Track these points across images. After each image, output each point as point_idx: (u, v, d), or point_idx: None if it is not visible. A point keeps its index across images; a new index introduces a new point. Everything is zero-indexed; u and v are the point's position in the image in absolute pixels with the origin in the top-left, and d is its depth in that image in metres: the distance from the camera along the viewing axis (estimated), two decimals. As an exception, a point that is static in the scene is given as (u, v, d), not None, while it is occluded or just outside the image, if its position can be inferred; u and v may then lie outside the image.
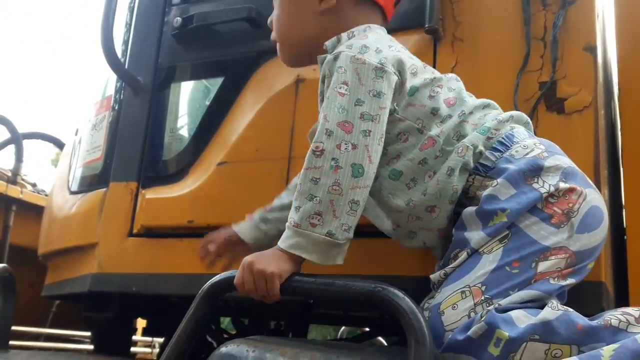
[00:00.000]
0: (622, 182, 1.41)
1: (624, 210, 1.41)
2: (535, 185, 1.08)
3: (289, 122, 1.57)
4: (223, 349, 1.07)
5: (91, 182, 1.93)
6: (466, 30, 1.45)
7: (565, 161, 1.12)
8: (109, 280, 1.71)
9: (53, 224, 2.08)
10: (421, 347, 0.95)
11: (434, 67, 1.42)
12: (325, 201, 1.07)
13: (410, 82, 1.18)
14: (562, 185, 1.07)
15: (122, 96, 1.88)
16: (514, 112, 1.22)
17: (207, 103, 1.76)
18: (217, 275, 1.17)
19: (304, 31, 1.32)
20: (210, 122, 1.72)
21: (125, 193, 1.76)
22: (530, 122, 1.24)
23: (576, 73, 1.32)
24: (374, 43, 1.18)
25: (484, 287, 1.03)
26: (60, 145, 3.26)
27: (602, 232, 1.09)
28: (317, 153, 1.10)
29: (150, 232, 1.68)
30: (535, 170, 1.09)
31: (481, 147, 1.14)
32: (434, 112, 1.17)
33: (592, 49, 1.32)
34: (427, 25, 1.44)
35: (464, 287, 1.03)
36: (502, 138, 1.15)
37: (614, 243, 1.36)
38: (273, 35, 1.38)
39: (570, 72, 1.33)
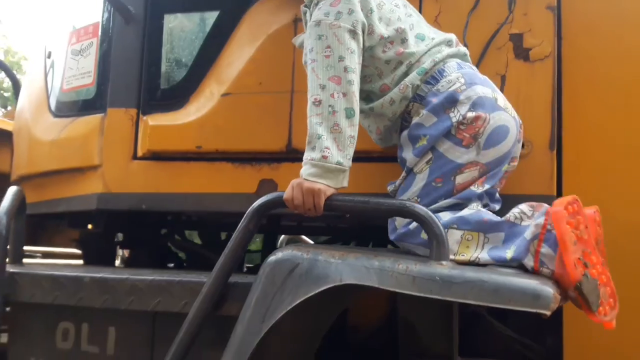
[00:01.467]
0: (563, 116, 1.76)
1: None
2: (450, 115, 1.41)
3: (290, 59, 1.77)
4: (279, 254, 1.32)
5: (82, 107, 2.02)
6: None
7: (477, 91, 1.42)
8: (116, 199, 1.87)
9: (35, 147, 2.16)
10: (441, 246, 1.26)
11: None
12: (330, 139, 1.35)
13: (369, 42, 1.45)
14: (469, 114, 1.39)
15: (112, 24, 1.96)
16: (454, 49, 1.52)
17: (202, 35, 1.90)
18: (267, 195, 1.40)
19: None
20: (208, 53, 1.87)
21: (126, 119, 1.89)
22: (468, 53, 1.55)
23: (539, 28, 1.62)
24: (344, 4, 1.42)
25: (419, 198, 1.41)
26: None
27: (508, 143, 1.43)
28: (316, 103, 1.38)
29: (157, 156, 1.84)
30: (452, 102, 1.41)
31: (418, 82, 1.45)
32: (387, 62, 1.48)
33: (552, 8, 1.63)
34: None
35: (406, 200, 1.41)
36: (435, 73, 1.46)
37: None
38: None
39: (534, 27, 1.63)
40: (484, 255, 1.33)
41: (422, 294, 1.22)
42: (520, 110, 1.60)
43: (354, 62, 1.39)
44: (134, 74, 1.90)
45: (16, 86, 2.93)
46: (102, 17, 2.00)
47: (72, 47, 2.08)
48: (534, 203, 1.36)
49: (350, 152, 1.38)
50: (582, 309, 1.26)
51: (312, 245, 1.37)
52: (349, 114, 1.37)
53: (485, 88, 1.45)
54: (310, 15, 1.47)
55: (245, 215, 1.39)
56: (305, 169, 1.36)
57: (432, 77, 1.46)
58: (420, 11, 1.69)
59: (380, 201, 1.34)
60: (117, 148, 1.88)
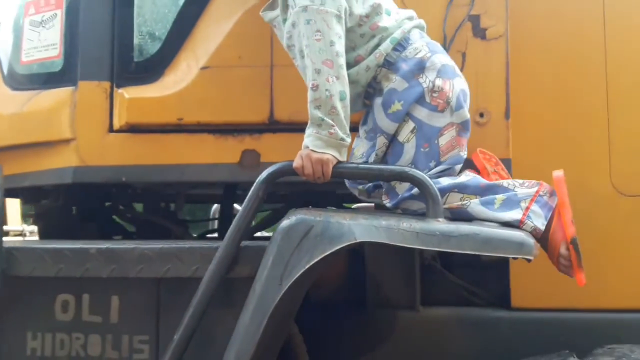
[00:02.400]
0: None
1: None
2: (420, 80, 1.60)
3: (268, 34, 1.86)
4: (292, 218, 1.44)
5: (48, 79, 1.99)
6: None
7: (441, 59, 1.64)
8: (94, 172, 1.89)
9: (3, 122, 2.09)
10: (437, 204, 1.45)
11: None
12: (330, 120, 1.49)
13: (350, 23, 1.60)
14: (438, 81, 1.60)
15: (78, -2, 1.94)
16: (416, 21, 1.70)
17: (175, 8, 1.93)
18: (276, 164, 1.51)
19: None
20: (182, 26, 1.91)
21: (99, 92, 1.90)
22: (425, 26, 1.73)
23: (493, 10, 1.83)
24: None
25: (413, 165, 1.59)
26: None
27: (469, 104, 1.66)
28: (314, 88, 1.51)
29: (135, 128, 1.88)
30: (420, 69, 1.61)
31: (389, 51, 1.62)
32: (362, 36, 1.63)
33: (505, -7, 1.84)
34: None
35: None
36: (402, 41, 1.64)
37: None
38: None
39: (489, 9, 1.84)
40: (475, 201, 1.56)
41: (425, 247, 1.41)
42: (479, 83, 1.82)
43: (342, 46, 1.54)
44: (105, 46, 1.91)
45: None
46: (66, -10, 1.97)
47: (31, 17, 2.03)
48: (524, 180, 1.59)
49: (347, 127, 1.54)
50: (571, 266, 1.49)
51: (320, 210, 1.50)
52: (342, 97, 1.52)
53: (445, 56, 1.67)
54: None
55: (255, 182, 1.50)
56: (310, 141, 1.49)
57: (400, 44, 1.64)
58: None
59: (382, 167, 1.51)
60: (92, 121, 1.89)
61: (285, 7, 1.61)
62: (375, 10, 1.62)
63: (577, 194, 1.99)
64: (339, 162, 1.50)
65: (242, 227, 1.49)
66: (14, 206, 3.69)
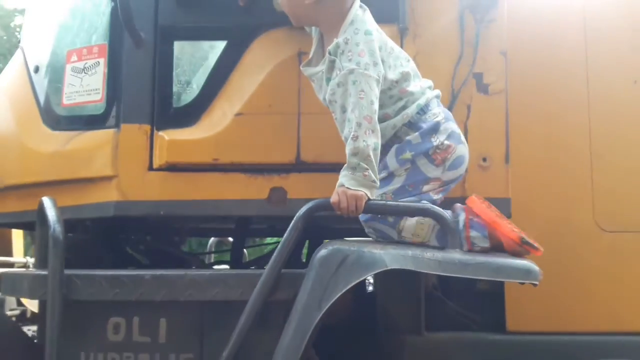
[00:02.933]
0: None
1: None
2: (432, 140, 1.87)
3: (296, 85, 2.08)
4: (329, 248, 1.65)
5: (89, 121, 2.18)
6: (423, 30, 2.12)
7: (452, 126, 1.92)
8: (134, 206, 2.06)
9: (29, 158, 2.26)
10: (455, 237, 1.68)
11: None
12: (365, 165, 1.73)
13: (383, 85, 1.84)
14: (446, 142, 1.87)
15: (121, 47, 2.14)
16: (436, 91, 1.97)
17: (211, 60, 2.15)
18: (314, 201, 1.72)
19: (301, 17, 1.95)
20: (217, 77, 2.13)
21: (140, 134, 2.09)
22: (441, 94, 1.99)
23: (495, 68, 2.10)
24: (370, 57, 1.79)
25: (393, 195, 1.85)
26: None
27: (463, 168, 1.93)
28: (354, 138, 1.74)
29: (174, 167, 2.06)
30: (435, 130, 1.87)
31: (413, 114, 1.89)
32: (390, 97, 1.88)
33: (504, 53, 2.11)
34: (401, 24, 2.08)
35: (382, 194, 1.83)
36: (424, 107, 1.90)
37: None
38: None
39: (491, 67, 2.10)
40: (433, 239, 1.81)
41: (446, 274, 1.63)
42: (482, 132, 2.08)
43: (377, 106, 1.78)
44: (146, 93, 2.11)
45: None
46: (108, 39, 2.17)
47: (73, 64, 2.22)
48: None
49: (377, 174, 1.77)
50: (529, 253, 1.77)
51: (350, 242, 1.71)
52: (376, 147, 1.75)
53: (455, 124, 1.93)
54: (338, 62, 1.80)
55: (296, 217, 1.71)
56: (346, 180, 1.71)
57: (422, 109, 1.89)
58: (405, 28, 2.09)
59: (407, 205, 1.73)
60: (133, 160, 2.08)
61: (331, 68, 1.83)
62: (404, 77, 1.87)
63: (564, 229, 2.28)
64: (369, 199, 1.73)
65: (283, 255, 1.69)
66: (17, 239, 3.80)
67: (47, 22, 2.46)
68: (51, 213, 1.80)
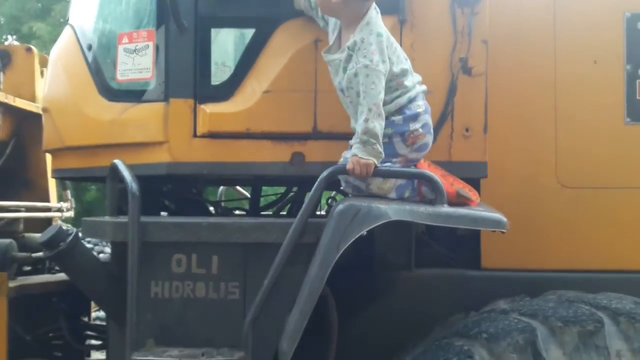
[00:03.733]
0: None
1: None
2: (410, 125, 2.31)
3: (313, 67, 2.52)
4: (345, 204, 2.14)
5: (140, 95, 2.61)
6: (419, 20, 2.55)
7: (428, 119, 2.36)
8: (182, 167, 2.53)
9: (88, 124, 2.69)
10: (441, 196, 2.17)
11: (400, 42, 2.49)
12: (373, 141, 2.18)
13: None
14: (420, 130, 2.32)
15: (167, 33, 2.56)
16: (424, 87, 2.40)
17: (242, 45, 2.58)
18: (333, 166, 2.21)
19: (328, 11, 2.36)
20: (247, 59, 2.56)
21: (186, 107, 2.54)
22: (426, 89, 2.42)
23: (478, 54, 2.55)
24: (380, 56, 2.23)
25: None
26: None
27: (423, 154, 2.37)
28: (366, 120, 2.20)
29: (214, 135, 2.52)
30: (414, 119, 2.32)
31: (404, 102, 2.33)
32: (389, 87, 2.30)
33: (485, 41, 2.56)
34: (400, 16, 2.51)
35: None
36: (412, 98, 2.33)
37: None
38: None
39: (474, 53, 2.55)
40: (392, 193, 2.30)
41: (434, 223, 2.13)
42: (465, 107, 2.54)
43: (383, 93, 2.23)
44: (189, 72, 2.54)
45: None
46: (156, 26, 2.58)
47: (125, 46, 2.64)
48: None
49: (382, 148, 2.23)
50: (467, 204, 2.27)
51: (361, 198, 2.21)
52: (381, 127, 2.21)
53: (430, 118, 2.38)
54: (354, 56, 2.24)
55: (320, 178, 2.19)
56: (359, 151, 2.18)
57: (410, 100, 2.34)
58: (400, 38, 2.52)
59: (408, 170, 2.23)
60: (180, 128, 2.53)
61: (348, 60, 2.26)
62: (403, 72, 2.31)
63: (530, 186, 2.78)
64: (376, 166, 2.21)
65: (309, 208, 2.19)
66: (52, 187, 4.27)
67: (95, 4, 2.86)
68: (126, 173, 2.27)
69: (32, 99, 4.05)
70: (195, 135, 2.54)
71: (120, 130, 2.63)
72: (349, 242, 2.11)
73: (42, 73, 4.19)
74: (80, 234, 2.41)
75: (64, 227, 2.34)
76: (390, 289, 2.84)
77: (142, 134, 2.59)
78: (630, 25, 2.74)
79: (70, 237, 2.25)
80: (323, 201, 3.49)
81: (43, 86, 4.12)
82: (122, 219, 2.26)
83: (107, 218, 2.37)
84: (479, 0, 2.54)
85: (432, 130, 2.38)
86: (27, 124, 4.02)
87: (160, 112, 2.56)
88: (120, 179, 2.35)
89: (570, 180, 2.78)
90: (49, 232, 2.27)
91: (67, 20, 3.06)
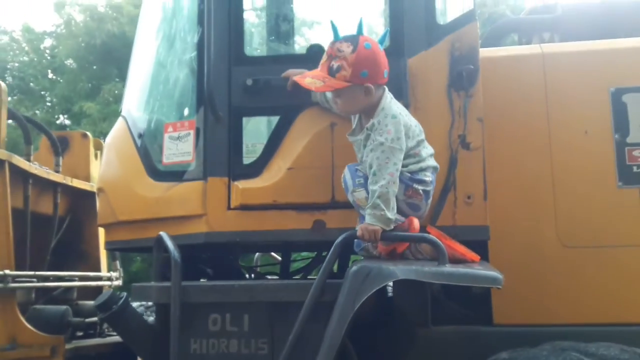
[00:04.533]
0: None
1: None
2: (414, 185, 2.64)
3: (330, 147, 2.90)
4: (358, 265, 2.45)
5: (182, 175, 3.02)
6: (421, 104, 2.92)
7: (429, 189, 2.68)
8: (218, 236, 2.90)
9: (138, 201, 3.10)
10: (443, 257, 2.47)
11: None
12: (382, 207, 2.51)
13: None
14: (419, 192, 2.63)
15: (205, 122, 2.98)
16: (434, 163, 2.73)
17: (268, 130, 2.98)
18: (346, 232, 2.53)
19: (355, 110, 2.74)
20: (273, 142, 2.96)
21: (221, 184, 2.93)
22: (437, 166, 2.77)
23: (474, 131, 2.89)
24: (395, 134, 2.59)
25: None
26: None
27: (414, 213, 2.67)
28: (381, 188, 2.53)
29: (245, 207, 2.89)
30: (419, 183, 2.64)
31: (416, 170, 2.67)
32: (408, 156, 2.65)
33: (481, 119, 2.90)
34: (404, 101, 2.88)
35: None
36: (424, 168, 2.68)
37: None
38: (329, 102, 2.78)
39: (471, 130, 2.89)
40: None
41: (438, 281, 2.42)
42: (467, 177, 2.86)
43: (399, 166, 2.58)
44: (224, 154, 2.94)
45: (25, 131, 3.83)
46: (196, 116, 3.01)
47: (170, 134, 3.07)
48: None
49: (394, 215, 2.56)
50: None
51: (373, 260, 2.52)
52: (393, 193, 2.55)
53: (432, 190, 2.72)
54: (372, 135, 2.60)
55: (335, 243, 2.51)
56: (371, 219, 2.51)
57: (421, 169, 2.69)
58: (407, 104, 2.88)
59: (411, 235, 2.54)
60: (216, 202, 2.91)
61: (367, 139, 2.63)
62: (420, 143, 2.68)
63: (534, 247, 3.04)
64: (384, 231, 2.53)
65: (327, 270, 2.50)
66: (103, 257, 4.70)
67: (144, 99, 3.33)
68: (169, 243, 2.65)
69: (87, 179, 4.54)
70: (229, 208, 2.91)
71: (165, 206, 3.03)
72: (363, 300, 2.40)
73: (96, 155, 4.70)
74: (129, 298, 2.77)
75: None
76: (409, 345, 3.08)
77: (184, 208, 2.98)
78: (615, 98, 3.05)
79: (122, 301, 2.61)
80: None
81: (97, 167, 4.64)
82: (166, 284, 2.61)
83: (152, 283, 2.73)
84: (473, 84, 2.90)
85: (428, 201, 2.71)
86: (82, 202, 4.49)
87: (199, 189, 2.95)
88: (165, 248, 2.72)
89: (570, 240, 3.04)
90: (103, 296, 2.64)
91: (120, 111, 3.54)
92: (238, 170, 2.95)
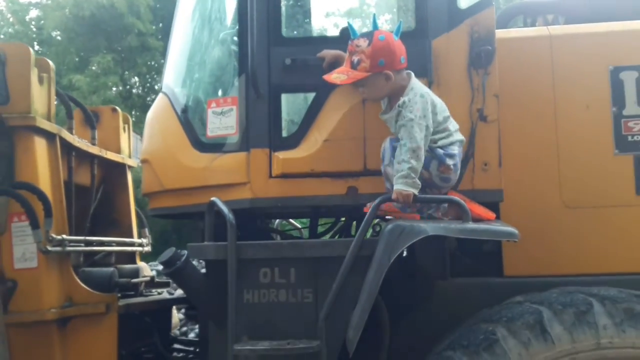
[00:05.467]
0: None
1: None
2: (447, 160, 2.98)
3: (362, 120, 3.23)
4: (392, 225, 2.81)
5: (226, 147, 3.34)
6: (443, 80, 3.26)
7: (457, 161, 3.02)
8: (262, 201, 3.24)
9: (184, 171, 3.42)
10: (467, 216, 2.84)
11: (430, 97, 3.20)
12: (413, 175, 2.86)
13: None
14: (450, 167, 2.98)
15: (247, 98, 3.30)
16: (460, 137, 3.09)
17: (305, 105, 3.31)
18: (382, 196, 2.89)
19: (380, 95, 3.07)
20: (310, 116, 3.28)
21: (263, 154, 3.26)
22: (464, 139, 3.13)
23: (491, 105, 3.24)
24: (422, 112, 2.92)
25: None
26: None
27: (446, 185, 3.06)
28: (411, 160, 2.87)
29: (285, 175, 3.23)
30: (451, 157, 2.99)
31: (445, 144, 3.03)
32: (438, 132, 3.01)
33: (496, 95, 3.25)
34: (429, 78, 3.22)
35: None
36: (452, 143, 3.03)
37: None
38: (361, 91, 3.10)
39: (488, 105, 3.24)
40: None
41: (463, 236, 2.79)
42: (484, 147, 3.21)
43: (425, 141, 2.92)
44: (265, 128, 3.27)
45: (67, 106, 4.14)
46: (238, 93, 3.33)
47: (213, 109, 3.39)
48: None
49: (419, 181, 2.91)
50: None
51: (406, 220, 2.88)
52: (419, 165, 2.89)
53: (460, 162, 3.05)
54: (403, 112, 2.93)
55: (372, 205, 2.86)
56: (401, 184, 2.86)
57: (451, 143, 3.03)
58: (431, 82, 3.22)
59: (438, 197, 2.90)
60: (260, 171, 3.24)
61: (398, 115, 2.96)
62: (446, 119, 3.02)
63: (539, 206, 3.42)
64: (415, 195, 2.89)
65: (366, 227, 2.86)
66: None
67: (185, 77, 3.63)
68: (223, 207, 2.98)
69: (118, 151, 4.84)
70: (270, 176, 3.25)
71: (210, 175, 3.36)
72: (398, 253, 2.77)
73: (124, 129, 4.99)
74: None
75: (178, 251, 3.05)
76: (430, 295, 3.47)
77: (229, 177, 3.31)
78: (614, 76, 3.41)
79: (184, 258, 2.95)
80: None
81: (126, 140, 4.93)
82: (222, 243, 2.95)
83: (208, 243, 3.06)
84: (490, 63, 3.24)
85: (457, 172, 3.06)
86: (113, 173, 4.80)
87: (243, 160, 3.28)
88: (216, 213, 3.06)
89: (572, 201, 3.42)
90: (167, 254, 2.98)
91: (160, 88, 3.83)
92: (278, 142, 3.28)
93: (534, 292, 3.12)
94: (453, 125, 3.06)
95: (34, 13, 27.68)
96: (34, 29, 27.40)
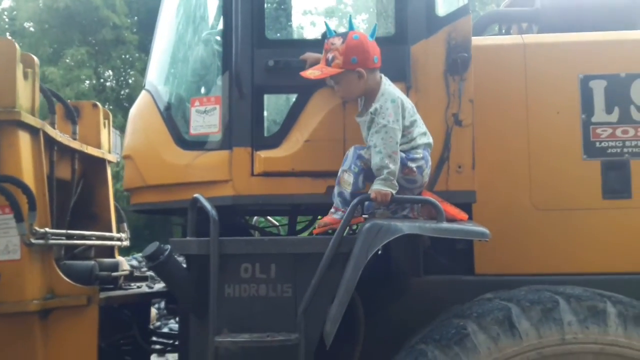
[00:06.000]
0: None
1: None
2: (408, 163, 3.10)
3: (342, 122, 3.34)
4: (370, 223, 2.92)
5: (209, 145, 3.42)
6: (421, 86, 3.38)
7: (422, 163, 3.12)
8: (243, 199, 3.33)
9: (167, 168, 3.49)
10: (441, 216, 2.96)
11: (407, 102, 3.32)
12: (391, 177, 2.98)
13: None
14: (413, 169, 3.09)
15: (230, 98, 3.38)
16: (428, 140, 3.20)
17: (287, 106, 3.40)
18: (361, 195, 3.00)
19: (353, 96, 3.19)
20: (291, 117, 3.38)
21: (245, 153, 3.34)
22: (432, 143, 3.25)
23: (466, 110, 3.37)
24: (394, 117, 3.04)
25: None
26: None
27: (413, 186, 3.17)
28: (385, 165, 2.99)
29: (267, 174, 3.32)
30: (413, 161, 3.11)
31: (408, 148, 3.14)
32: (403, 137, 3.12)
33: (471, 100, 3.38)
34: (407, 83, 3.33)
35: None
36: (417, 147, 3.14)
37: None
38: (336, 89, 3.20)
39: (463, 110, 3.37)
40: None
41: (437, 235, 2.91)
42: (458, 149, 3.34)
43: (398, 145, 3.03)
44: (247, 127, 3.35)
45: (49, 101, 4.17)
46: (222, 92, 3.41)
47: (196, 108, 3.46)
48: None
49: (396, 183, 3.02)
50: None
51: (382, 219, 2.99)
52: (396, 168, 3.01)
53: (426, 163, 3.16)
54: (376, 119, 3.04)
55: (351, 205, 2.97)
56: (380, 185, 2.98)
57: (412, 147, 3.14)
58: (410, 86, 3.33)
59: (414, 197, 3.02)
60: (242, 169, 3.33)
61: (371, 121, 3.07)
62: (412, 124, 3.13)
63: (510, 208, 3.57)
64: (392, 195, 3.00)
65: (344, 226, 2.97)
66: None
67: (169, 76, 3.69)
68: (206, 203, 3.06)
69: (98, 146, 4.87)
70: (252, 175, 3.34)
71: (193, 172, 3.43)
72: (375, 250, 2.89)
73: (104, 124, 5.03)
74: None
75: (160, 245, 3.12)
76: (405, 292, 3.60)
77: (211, 174, 3.39)
78: (583, 84, 3.57)
79: (167, 252, 3.03)
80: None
81: (106, 136, 4.97)
82: (204, 238, 3.03)
83: (190, 238, 3.14)
84: (466, 69, 3.36)
85: (423, 174, 3.15)
86: (93, 168, 4.83)
87: (225, 158, 3.36)
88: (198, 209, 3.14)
89: (541, 204, 3.57)
90: (151, 248, 3.05)
91: (143, 85, 3.88)
92: (260, 141, 3.37)
93: (503, 289, 3.26)
94: (418, 129, 3.17)
95: (6, 3, 27.26)
96: (7, 20, 26.98)
